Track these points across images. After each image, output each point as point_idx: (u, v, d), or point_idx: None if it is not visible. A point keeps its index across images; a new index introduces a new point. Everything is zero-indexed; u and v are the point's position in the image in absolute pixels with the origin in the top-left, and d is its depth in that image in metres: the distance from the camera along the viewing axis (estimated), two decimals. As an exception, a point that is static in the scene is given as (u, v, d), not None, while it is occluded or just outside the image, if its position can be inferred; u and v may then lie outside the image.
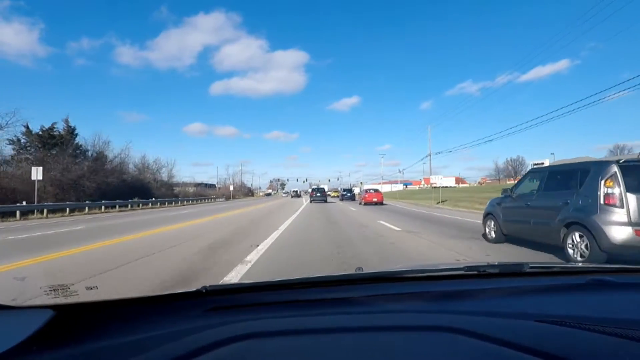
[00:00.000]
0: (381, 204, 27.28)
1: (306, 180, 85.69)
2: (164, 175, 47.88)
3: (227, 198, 53.83)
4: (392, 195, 52.29)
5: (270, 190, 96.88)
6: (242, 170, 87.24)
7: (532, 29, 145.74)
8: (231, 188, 58.17)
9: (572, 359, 0.63)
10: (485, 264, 1.33)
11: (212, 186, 69.40)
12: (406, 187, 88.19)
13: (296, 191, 65.56)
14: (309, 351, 0.72)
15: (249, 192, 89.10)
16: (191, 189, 54.91)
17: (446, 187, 41.25)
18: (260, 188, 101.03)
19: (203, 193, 54.23)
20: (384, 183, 66.59)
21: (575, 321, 0.79)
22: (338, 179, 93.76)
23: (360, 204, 28.50)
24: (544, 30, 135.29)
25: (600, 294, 1.13)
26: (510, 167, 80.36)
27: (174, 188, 49.13)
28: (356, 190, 46.61)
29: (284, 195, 77.09)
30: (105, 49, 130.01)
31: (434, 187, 29.44)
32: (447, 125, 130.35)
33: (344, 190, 41.00)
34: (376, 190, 29.54)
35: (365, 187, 52.35)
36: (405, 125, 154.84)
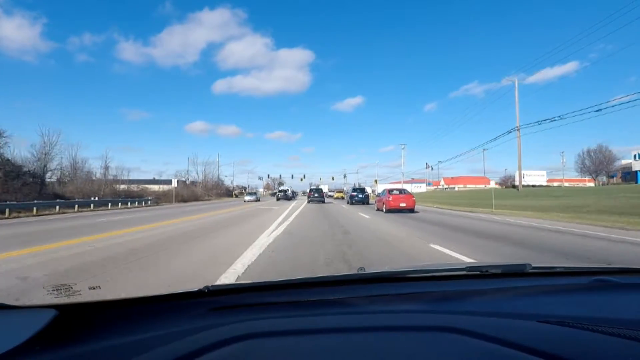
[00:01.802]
0: (412, 211, 18.74)
1: (304, 177, 73.48)
2: (33, 165, 28.42)
3: (172, 201, 37.36)
4: (430, 197, 37.96)
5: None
6: (219, 164, 69.26)
7: (536, 30, 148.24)
8: (174, 184, 37.59)
9: (574, 359, 0.65)
10: (488, 264, 1.36)
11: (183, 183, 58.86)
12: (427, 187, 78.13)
13: (285, 191, 43.07)
14: (311, 351, 0.74)
15: (228, 192, 69.64)
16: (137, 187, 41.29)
17: (534, 185, 27.56)
18: (249, 186, 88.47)
19: (131, 193, 35.78)
20: (405, 182, 56.25)
21: (578, 322, 0.81)
22: (345, 176, 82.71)
23: (377, 209, 20.43)
24: (547, 31, 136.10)
25: (603, 295, 1.16)
26: (591, 163, 58.22)
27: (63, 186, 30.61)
28: (368, 190, 37.23)
29: (248, 199, 40.20)
30: (107, 45, 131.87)
31: (511, 186, 19.99)
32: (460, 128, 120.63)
33: (355, 189, 31.47)
34: (403, 192, 20.59)
35: (381, 186, 43.29)
36: (409, 127, 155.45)
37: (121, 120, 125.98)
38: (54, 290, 1.30)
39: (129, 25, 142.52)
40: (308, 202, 32.00)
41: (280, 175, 78.64)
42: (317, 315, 0.95)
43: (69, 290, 1.26)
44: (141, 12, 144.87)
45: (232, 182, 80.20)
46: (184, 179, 55.20)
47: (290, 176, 78.85)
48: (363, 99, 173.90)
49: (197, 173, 61.64)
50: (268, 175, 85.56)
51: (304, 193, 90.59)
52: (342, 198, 48.77)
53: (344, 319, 0.92)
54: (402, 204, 18.73)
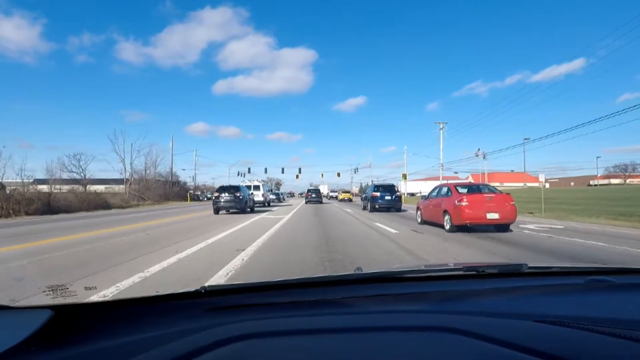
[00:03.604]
0: (504, 228, 10.00)
1: (300, 171, 61.21)
2: None
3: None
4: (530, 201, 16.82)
5: None
6: (172, 153, 45.90)
7: (539, 28, 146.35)
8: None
9: (571, 359, 0.67)
10: (485, 264, 1.43)
11: (119, 182, 37.45)
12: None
13: (233, 189, 18.22)
14: (309, 351, 0.76)
15: (183, 193, 45.04)
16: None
17: None
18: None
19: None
20: (430, 179, 44.31)
21: (574, 321, 0.83)
22: (356, 171, 71.08)
23: (423, 222, 11.93)
24: (549, 30, 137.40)
25: (599, 295, 1.18)
26: None
27: None
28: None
29: None
30: (107, 45, 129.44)
31: None
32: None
33: (378, 187, 19.86)
34: (485, 189, 10.74)
35: (413, 184, 33.20)
36: (412, 127, 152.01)
37: (121, 121, 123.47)
38: (50, 290, 1.33)
39: (129, 24, 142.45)
40: (306, 202, 32.53)
41: (266, 169, 59.39)
42: (315, 315, 0.97)
43: (65, 290, 1.29)
44: (141, 10, 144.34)
45: (193, 180, 53.28)
46: (72, 176, 33.29)
47: (281, 170, 63.46)
48: (365, 98, 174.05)
49: (125, 166, 36.77)
50: (243, 174, 54.02)
51: (301, 194, 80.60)
52: (350, 200, 39.82)
53: (342, 319, 0.94)
54: (492, 215, 9.22)
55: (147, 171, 40.18)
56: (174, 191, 43.94)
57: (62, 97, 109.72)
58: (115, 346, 0.77)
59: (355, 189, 75.41)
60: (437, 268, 1.50)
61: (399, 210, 18.80)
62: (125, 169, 37.18)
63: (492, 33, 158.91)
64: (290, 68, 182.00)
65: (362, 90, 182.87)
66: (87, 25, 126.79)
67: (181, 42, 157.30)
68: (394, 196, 18.69)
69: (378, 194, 18.79)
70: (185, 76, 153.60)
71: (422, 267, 1.53)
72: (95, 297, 3.60)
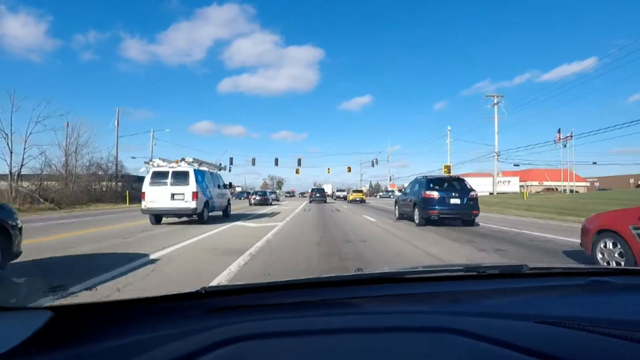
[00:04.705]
0: None
1: (299, 164, 50.08)
2: None
3: None
4: None
5: None
6: (117, 137, 31.54)
7: (544, 26, 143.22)
8: None
9: (571, 359, 0.69)
10: (485, 265, 1.45)
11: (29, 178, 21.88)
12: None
13: None
14: (309, 352, 0.77)
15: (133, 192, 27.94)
16: None
17: None
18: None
19: None
20: (472, 175, 34.72)
21: (574, 322, 0.83)
22: (374, 164, 61.28)
23: None
24: (553, 29, 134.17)
25: (600, 296, 1.19)
26: None
27: None
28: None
29: None
30: (112, 42, 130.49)
31: None
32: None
33: (435, 183, 10.65)
34: None
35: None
36: (417, 127, 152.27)
37: (125, 120, 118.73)
38: (50, 291, 1.39)
39: (135, 21, 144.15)
40: (310, 201, 32.56)
41: (254, 160, 44.67)
42: (316, 316, 0.97)
43: (65, 290, 1.36)
44: (147, 7, 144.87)
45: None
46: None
47: (274, 162, 50.85)
48: (371, 97, 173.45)
49: (11, 147, 21.44)
50: (225, 167, 28.24)
51: (302, 194, 73.09)
52: (362, 201, 33.81)
53: (342, 319, 0.94)
54: None
55: (69, 158, 25.61)
56: (112, 189, 29.47)
57: (64, 96, 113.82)
58: (116, 347, 0.77)
59: (365, 188, 67.86)
60: (438, 269, 1.54)
61: (471, 223, 10.55)
62: (11, 151, 20.74)
63: (500, 31, 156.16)
64: (296, 66, 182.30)
65: (368, 89, 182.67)
66: (93, 22, 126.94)
67: (187, 39, 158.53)
68: (465, 199, 10.19)
69: (435, 194, 10.21)
70: (191, 74, 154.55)
71: (423, 268, 1.52)
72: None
